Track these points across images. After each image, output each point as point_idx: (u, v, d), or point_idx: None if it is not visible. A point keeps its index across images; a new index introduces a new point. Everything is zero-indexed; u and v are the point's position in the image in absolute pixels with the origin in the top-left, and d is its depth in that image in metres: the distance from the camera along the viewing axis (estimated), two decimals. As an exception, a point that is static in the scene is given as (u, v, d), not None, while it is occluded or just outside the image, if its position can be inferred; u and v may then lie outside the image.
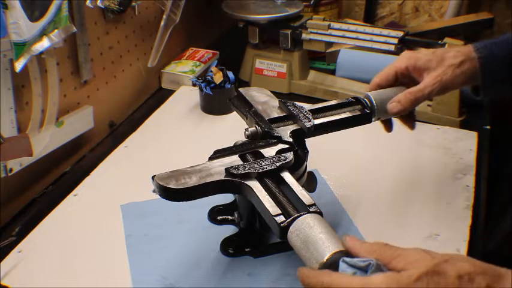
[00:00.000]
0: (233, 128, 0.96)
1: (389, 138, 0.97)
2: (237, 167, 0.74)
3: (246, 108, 0.89)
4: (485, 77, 0.85)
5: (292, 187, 0.72)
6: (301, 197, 0.70)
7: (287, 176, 0.75)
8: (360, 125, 0.88)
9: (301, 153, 0.81)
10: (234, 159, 0.77)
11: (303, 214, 0.66)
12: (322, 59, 1.47)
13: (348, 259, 0.59)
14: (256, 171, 0.74)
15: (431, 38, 1.32)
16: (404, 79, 0.89)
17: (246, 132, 0.84)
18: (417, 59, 0.87)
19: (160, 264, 0.84)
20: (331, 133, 0.88)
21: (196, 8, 1.50)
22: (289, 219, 0.66)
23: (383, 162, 1.08)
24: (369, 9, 1.83)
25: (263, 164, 0.75)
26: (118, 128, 1.24)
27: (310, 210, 0.67)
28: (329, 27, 1.28)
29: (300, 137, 0.83)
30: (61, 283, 0.82)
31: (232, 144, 0.82)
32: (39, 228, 0.93)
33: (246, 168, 0.74)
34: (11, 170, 0.95)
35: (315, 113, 0.86)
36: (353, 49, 1.39)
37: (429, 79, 0.85)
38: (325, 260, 0.60)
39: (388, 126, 0.93)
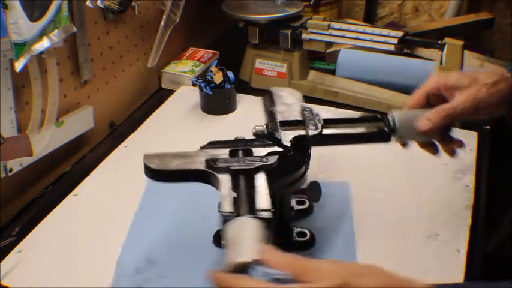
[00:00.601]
0: (233, 127, 0.96)
1: (389, 138, 0.97)
2: (215, 160, 0.75)
3: (269, 107, 0.88)
4: None
5: (258, 189, 0.72)
6: (257, 200, 0.70)
7: (260, 177, 0.74)
8: (378, 142, 0.84)
9: (299, 159, 0.81)
10: (222, 153, 0.78)
11: (245, 216, 0.66)
12: (322, 59, 1.47)
13: (262, 268, 0.59)
14: (231, 167, 0.74)
15: (431, 38, 1.32)
16: (436, 101, 0.83)
17: (253, 130, 0.84)
18: (448, 78, 0.82)
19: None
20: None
21: (196, 8, 1.50)
22: (231, 216, 0.67)
23: (383, 162, 1.08)
24: (369, 9, 1.83)
25: (243, 162, 0.75)
26: (118, 128, 1.24)
27: (257, 214, 0.67)
28: (329, 27, 1.28)
29: (301, 143, 0.82)
30: (61, 283, 0.82)
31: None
32: (39, 228, 0.93)
33: (222, 163, 0.75)
34: (11, 170, 0.95)
35: (329, 122, 0.83)
36: (353, 49, 1.39)
37: (462, 96, 0.80)
38: (238, 262, 0.60)
39: (434, 150, 0.86)
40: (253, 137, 0.83)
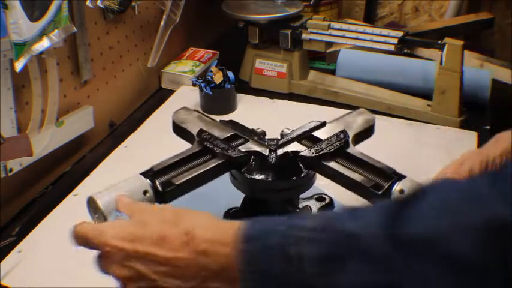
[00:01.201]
0: (233, 128, 0.96)
1: (389, 138, 0.97)
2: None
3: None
4: None
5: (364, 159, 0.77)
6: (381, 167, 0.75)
7: (353, 151, 0.79)
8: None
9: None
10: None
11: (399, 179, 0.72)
12: (322, 59, 1.47)
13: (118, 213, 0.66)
14: (329, 150, 0.78)
15: (431, 38, 1.32)
16: None
17: (282, 132, 0.86)
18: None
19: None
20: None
21: (196, 8, 1.50)
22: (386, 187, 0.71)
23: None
24: (369, 9, 1.83)
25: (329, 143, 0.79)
26: (118, 128, 1.24)
27: None
28: (329, 27, 1.27)
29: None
30: (61, 283, 0.82)
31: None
32: (39, 228, 0.93)
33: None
34: (11, 170, 0.95)
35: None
36: (353, 49, 1.39)
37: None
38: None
39: None
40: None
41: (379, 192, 0.71)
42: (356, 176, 0.75)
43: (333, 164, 0.77)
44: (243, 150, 0.81)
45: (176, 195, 0.75)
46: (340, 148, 0.79)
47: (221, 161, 0.79)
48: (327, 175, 0.79)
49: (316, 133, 0.84)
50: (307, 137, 0.83)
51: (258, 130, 0.86)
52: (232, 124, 0.87)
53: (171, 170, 0.77)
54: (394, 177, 0.73)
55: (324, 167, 0.78)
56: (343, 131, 0.82)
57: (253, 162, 0.81)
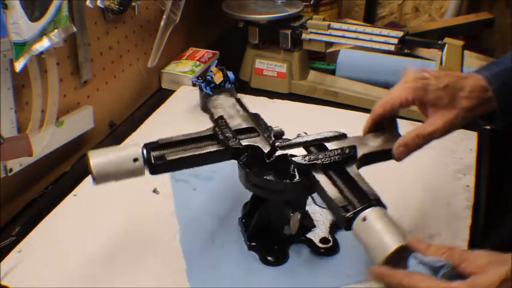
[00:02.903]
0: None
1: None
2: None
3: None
4: (502, 108, 0.79)
5: (358, 179, 0.73)
6: (366, 190, 0.71)
7: (352, 170, 0.75)
8: None
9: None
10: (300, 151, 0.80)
11: (367, 207, 0.67)
12: (322, 59, 1.47)
13: (419, 256, 0.60)
14: (323, 162, 0.76)
15: (431, 38, 1.32)
16: (405, 108, 0.83)
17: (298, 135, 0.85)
18: (425, 93, 0.79)
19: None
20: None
21: (196, 8, 1.50)
22: (354, 211, 0.67)
23: (382, 163, 1.08)
24: (369, 9, 1.83)
25: (327, 155, 0.77)
26: (118, 128, 1.24)
27: (374, 203, 0.68)
28: (329, 27, 1.28)
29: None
30: (61, 283, 0.82)
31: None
32: (39, 228, 0.93)
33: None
34: (11, 170, 0.95)
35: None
36: (353, 49, 1.39)
37: (440, 121, 0.78)
38: (390, 252, 0.60)
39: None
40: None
41: (345, 215, 0.68)
42: (333, 193, 0.72)
43: (320, 176, 0.75)
44: (245, 143, 0.81)
45: (166, 170, 0.80)
46: (336, 162, 0.76)
47: (219, 148, 0.80)
48: (312, 185, 0.77)
49: (330, 143, 0.82)
50: (317, 145, 0.82)
51: (276, 128, 0.85)
52: (255, 117, 0.87)
53: (172, 146, 0.80)
54: (366, 204, 0.68)
55: (310, 177, 0.76)
56: (352, 147, 0.79)
57: (250, 157, 0.81)
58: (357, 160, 0.78)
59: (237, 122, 0.85)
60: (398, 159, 0.80)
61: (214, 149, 0.80)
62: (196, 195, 1.00)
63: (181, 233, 0.91)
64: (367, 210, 0.67)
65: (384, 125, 0.85)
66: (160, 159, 0.78)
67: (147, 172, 0.78)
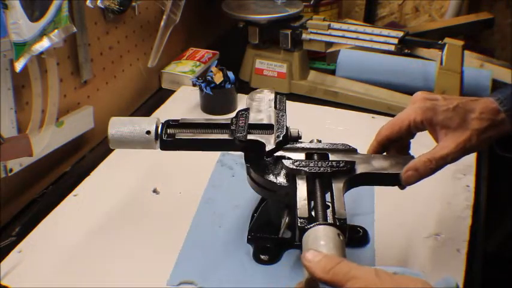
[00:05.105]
0: (233, 128, 0.96)
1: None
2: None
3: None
4: None
5: (336, 195, 0.71)
6: (336, 207, 0.69)
7: (337, 185, 0.73)
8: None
9: None
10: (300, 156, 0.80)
11: (322, 224, 0.64)
12: (322, 59, 1.47)
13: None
14: (310, 170, 0.74)
15: (431, 38, 1.32)
16: (415, 131, 0.80)
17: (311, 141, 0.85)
18: (435, 113, 0.76)
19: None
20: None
21: (196, 8, 1.50)
22: (309, 225, 0.65)
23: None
24: (369, 9, 1.83)
25: (318, 164, 0.76)
26: (118, 128, 1.24)
27: (336, 222, 0.66)
28: (329, 27, 1.28)
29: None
30: (61, 283, 0.82)
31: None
32: (39, 228, 0.93)
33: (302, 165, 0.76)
34: (11, 170, 0.95)
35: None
36: (353, 49, 1.39)
37: (452, 144, 0.74)
38: (309, 277, 0.58)
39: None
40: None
41: (300, 225, 0.66)
42: (302, 203, 0.70)
43: (301, 183, 0.74)
44: (252, 138, 0.81)
45: (174, 148, 0.83)
46: (324, 174, 0.74)
47: (226, 137, 0.82)
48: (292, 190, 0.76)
49: (334, 155, 0.80)
50: (320, 154, 0.80)
51: (293, 130, 0.84)
52: (278, 116, 0.86)
53: (188, 127, 0.84)
54: (319, 222, 0.66)
55: (293, 182, 0.75)
56: (350, 162, 0.76)
57: (255, 152, 0.81)
58: (352, 177, 0.76)
59: (260, 116, 0.85)
60: (406, 183, 0.76)
61: (222, 138, 0.82)
62: (231, 181, 1.03)
63: (198, 210, 0.95)
64: (319, 227, 0.64)
65: (391, 149, 0.82)
66: (171, 136, 0.82)
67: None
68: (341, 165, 0.75)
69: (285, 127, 0.83)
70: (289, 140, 0.83)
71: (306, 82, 1.36)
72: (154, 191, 1.01)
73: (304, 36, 1.30)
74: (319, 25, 1.28)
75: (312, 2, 1.49)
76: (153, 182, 1.02)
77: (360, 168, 0.77)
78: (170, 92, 1.35)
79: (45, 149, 1.00)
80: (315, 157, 0.80)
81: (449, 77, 1.17)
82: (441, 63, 1.18)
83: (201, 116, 1.25)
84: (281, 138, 0.81)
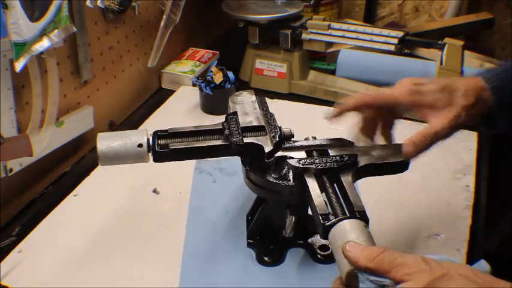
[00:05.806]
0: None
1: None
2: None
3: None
4: (499, 108, 0.80)
5: (348, 189, 0.72)
6: (353, 201, 0.69)
7: (346, 179, 0.74)
8: None
9: None
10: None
11: (347, 218, 0.65)
12: (322, 59, 1.47)
13: (371, 277, 0.59)
14: (317, 167, 0.75)
15: (431, 38, 1.32)
16: (399, 110, 0.84)
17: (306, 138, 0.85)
18: (423, 96, 0.79)
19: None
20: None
21: (196, 8, 1.50)
22: (333, 220, 0.65)
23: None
24: (369, 9, 1.83)
25: (324, 160, 0.76)
26: (118, 128, 1.24)
27: (356, 215, 0.67)
28: (329, 27, 1.28)
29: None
30: (61, 283, 0.82)
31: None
32: (39, 228, 0.93)
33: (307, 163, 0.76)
34: (11, 170, 0.95)
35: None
36: (353, 49, 1.39)
37: (443, 120, 0.78)
38: (350, 270, 0.59)
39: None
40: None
41: (325, 223, 0.66)
42: (318, 200, 0.70)
43: (311, 181, 0.74)
44: (248, 141, 0.81)
45: (169, 159, 0.80)
46: (331, 169, 0.75)
47: (222, 143, 0.81)
48: (302, 189, 0.76)
49: (333, 149, 0.80)
50: (319, 150, 0.81)
51: (286, 130, 0.84)
52: (267, 117, 0.86)
53: (179, 136, 0.81)
54: (347, 215, 0.67)
55: (302, 180, 0.75)
56: (352, 156, 0.77)
57: (252, 155, 0.81)
58: (357, 169, 0.77)
59: (249, 119, 0.85)
60: (406, 155, 0.79)
61: (218, 143, 0.81)
62: (213, 187, 1.01)
63: (188, 220, 0.93)
64: (345, 222, 0.65)
65: (376, 129, 0.85)
66: (165, 147, 0.79)
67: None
68: (345, 159, 0.76)
69: (277, 127, 0.83)
70: (283, 140, 0.83)
71: (306, 82, 1.36)
72: (154, 191, 1.01)
73: (304, 36, 1.30)
74: (319, 25, 1.28)
75: (312, 2, 1.49)
76: (153, 182, 1.02)
77: (363, 160, 0.78)
78: (170, 92, 1.35)
79: (45, 149, 1.00)
80: (315, 154, 0.80)
81: (449, 77, 1.17)
82: (441, 63, 1.18)
83: (201, 116, 1.25)
84: (277, 138, 0.81)
